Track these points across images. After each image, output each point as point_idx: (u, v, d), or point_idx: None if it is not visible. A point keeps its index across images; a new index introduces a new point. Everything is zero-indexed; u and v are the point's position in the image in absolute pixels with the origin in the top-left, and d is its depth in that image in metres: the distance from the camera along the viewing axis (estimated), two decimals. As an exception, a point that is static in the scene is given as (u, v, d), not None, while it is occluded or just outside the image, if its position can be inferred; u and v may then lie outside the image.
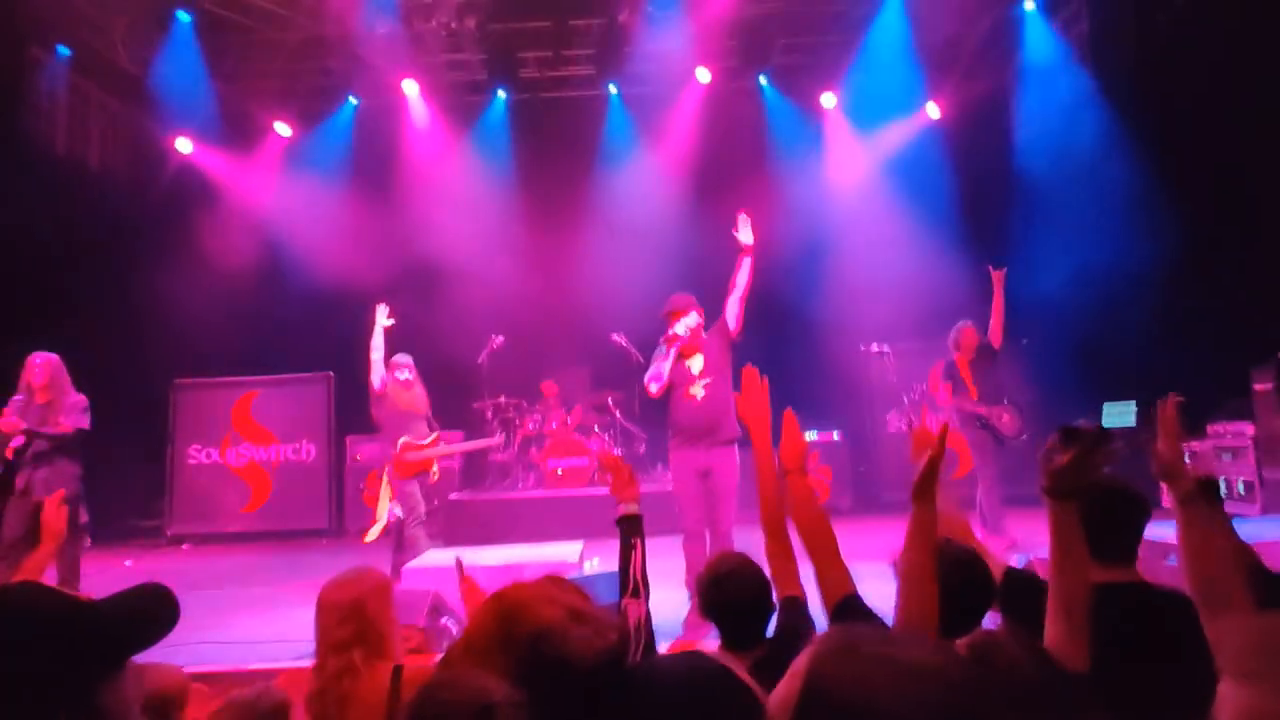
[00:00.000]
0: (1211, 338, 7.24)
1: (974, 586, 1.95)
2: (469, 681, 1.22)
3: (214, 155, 9.58)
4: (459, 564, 2.60)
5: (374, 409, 5.72)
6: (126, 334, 8.48)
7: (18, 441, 4.84)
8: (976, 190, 8.80)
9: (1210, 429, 7.02)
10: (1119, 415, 6.01)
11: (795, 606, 2.08)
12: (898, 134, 9.33)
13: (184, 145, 9.50)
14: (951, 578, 1.83)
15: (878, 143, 9.35)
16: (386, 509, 5.57)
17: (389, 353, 5.66)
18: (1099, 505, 1.98)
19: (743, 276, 4.63)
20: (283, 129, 9.68)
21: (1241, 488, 6.66)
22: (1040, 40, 8.68)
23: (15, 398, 5.00)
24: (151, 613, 0.99)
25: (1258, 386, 6.61)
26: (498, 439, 7.63)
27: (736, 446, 4.52)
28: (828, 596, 2.00)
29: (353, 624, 2.03)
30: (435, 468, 5.86)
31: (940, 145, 9.10)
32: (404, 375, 5.73)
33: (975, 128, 8.94)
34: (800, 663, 0.86)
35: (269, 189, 9.51)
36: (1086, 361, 7.36)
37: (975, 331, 6.21)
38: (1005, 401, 6.16)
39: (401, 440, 5.63)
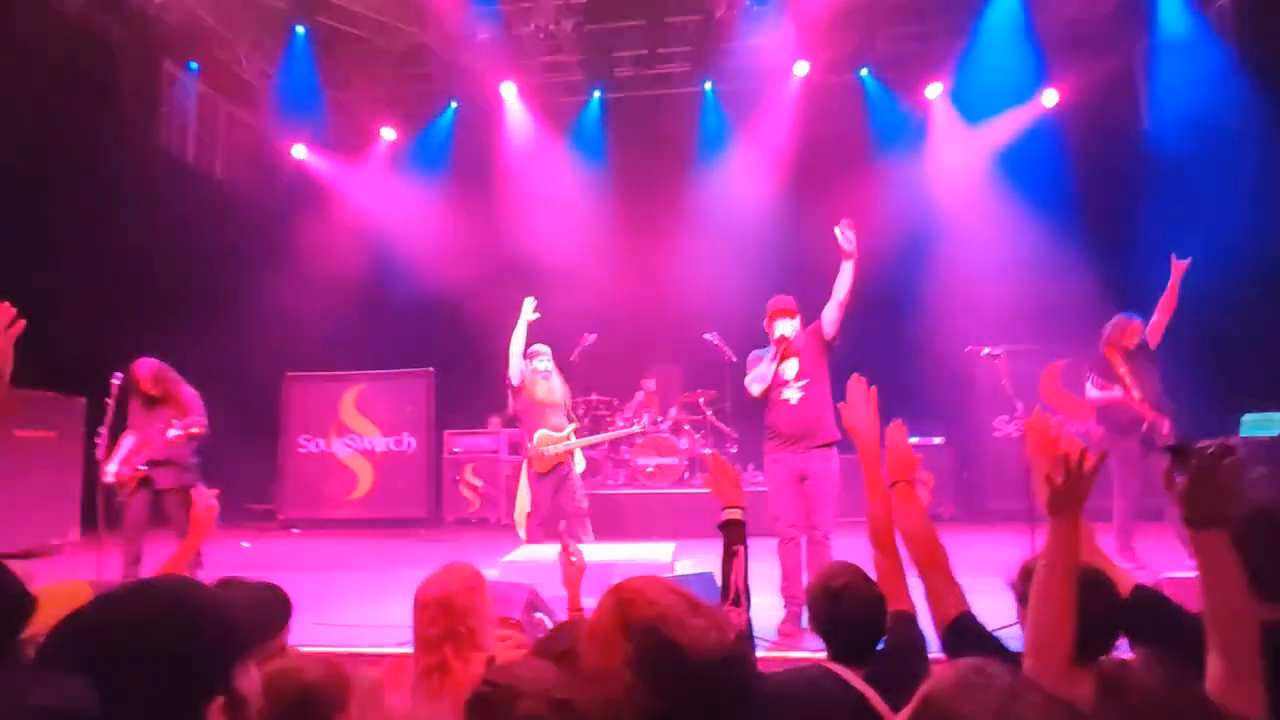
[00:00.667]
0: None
1: (1101, 609, 1.80)
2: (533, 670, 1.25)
3: (326, 160, 10.09)
4: (565, 544, 2.63)
5: (513, 402, 5.69)
6: (245, 330, 9.01)
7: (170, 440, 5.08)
8: (1099, 180, 8.23)
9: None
10: (1262, 425, 5.43)
11: (906, 622, 1.98)
12: (1010, 124, 8.85)
13: (299, 151, 10.05)
14: (1085, 596, 1.69)
15: (988, 134, 8.89)
16: (525, 500, 5.62)
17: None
18: (1260, 533, 1.77)
19: (844, 283, 4.49)
20: (388, 133, 10.11)
21: None
22: (1174, 14, 8.05)
23: (133, 403, 5.21)
24: (274, 606, 1.09)
25: None
26: (641, 425, 7.60)
27: (835, 450, 4.38)
28: (940, 614, 1.90)
29: (443, 621, 2.06)
30: (580, 458, 5.76)
31: (1058, 134, 8.58)
32: (542, 365, 5.70)
33: (1099, 112, 8.37)
34: (923, 689, 0.82)
35: (375, 192, 9.95)
36: (1226, 365, 6.75)
37: (1139, 327, 5.45)
38: (1166, 407, 5.39)
39: (538, 433, 5.59)
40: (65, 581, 1.78)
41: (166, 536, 5.08)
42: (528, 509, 5.58)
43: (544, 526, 5.64)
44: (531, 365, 5.65)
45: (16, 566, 1.35)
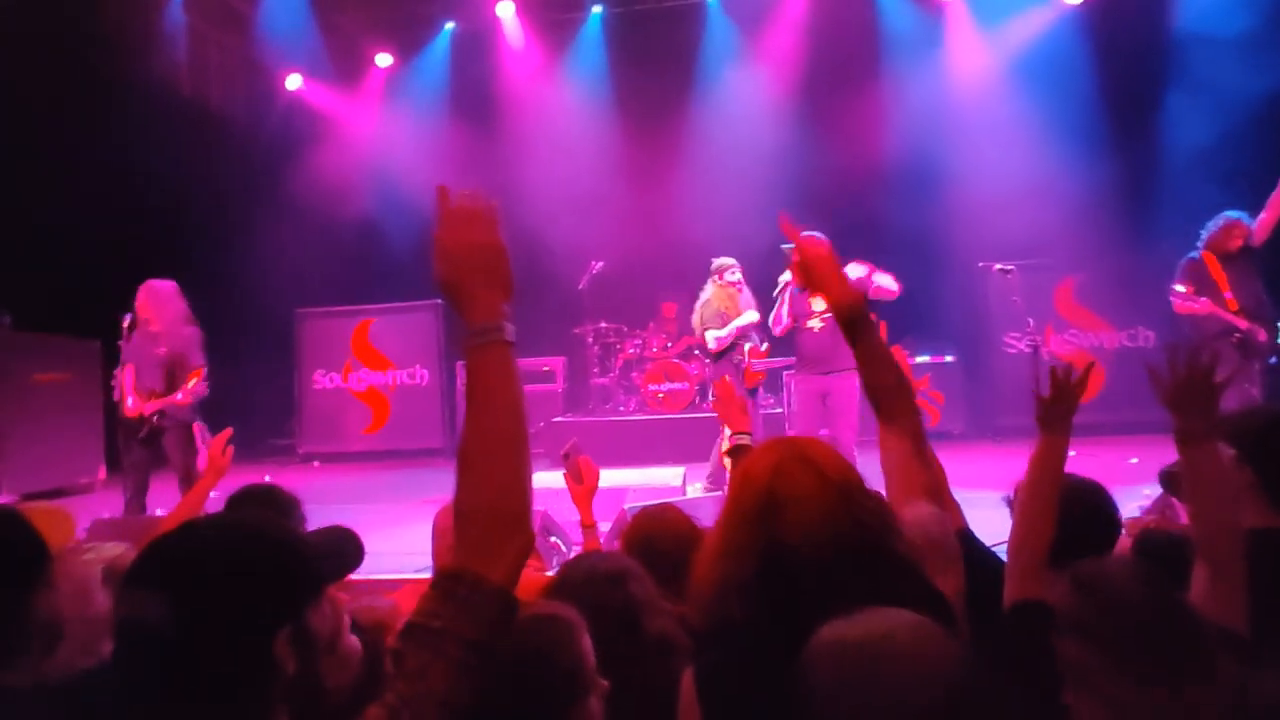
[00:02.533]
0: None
1: (1095, 519, 1.81)
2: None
3: (321, 90, 9.84)
4: (572, 449, 2.67)
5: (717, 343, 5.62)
6: (253, 266, 8.99)
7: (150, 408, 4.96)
8: (1121, 84, 7.89)
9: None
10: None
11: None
12: (1029, 25, 8.43)
13: (293, 81, 9.80)
14: (1072, 508, 1.70)
15: (1005, 36, 8.49)
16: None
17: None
18: (1267, 443, 1.76)
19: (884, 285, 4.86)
20: (383, 60, 9.80)
21: None
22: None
23: (125, 334, 5.01)
24: (346, 549, 1.16)
25: None
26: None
27: (855, 374, 4.49)
28: None
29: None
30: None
31: (1080, 35, 8.17)
32: (733, 276, 5.67)
33: (1123, 11, 7.95)
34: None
35: (373, 120, 9.73)
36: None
37: (1245, 229, 5.05)
38: (1265, 314, 5.08)
39: (748, 345, 5.58)
40: (43, 507, 1.87)
41: (167, 476, 5.17)
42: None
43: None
44: (725, 279, 5.65)
45: (56, 505, 1.41)
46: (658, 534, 2.10)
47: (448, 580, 0.97)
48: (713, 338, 5.60)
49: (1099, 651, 1.18)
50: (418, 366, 9.32)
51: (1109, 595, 1.21)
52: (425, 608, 0.96)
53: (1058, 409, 1.68)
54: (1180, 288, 5.12)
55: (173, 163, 8.23)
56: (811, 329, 5.05)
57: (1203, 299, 5.04)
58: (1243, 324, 5.03)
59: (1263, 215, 5.08)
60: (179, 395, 5.00)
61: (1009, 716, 0.88)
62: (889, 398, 1.71)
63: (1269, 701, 0.86)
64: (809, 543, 1.16)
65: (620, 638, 1.45)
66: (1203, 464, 1.50)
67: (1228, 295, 5.06)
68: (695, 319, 5.79)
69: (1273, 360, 5.11)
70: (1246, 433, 1.79)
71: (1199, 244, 5.24)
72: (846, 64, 8.61)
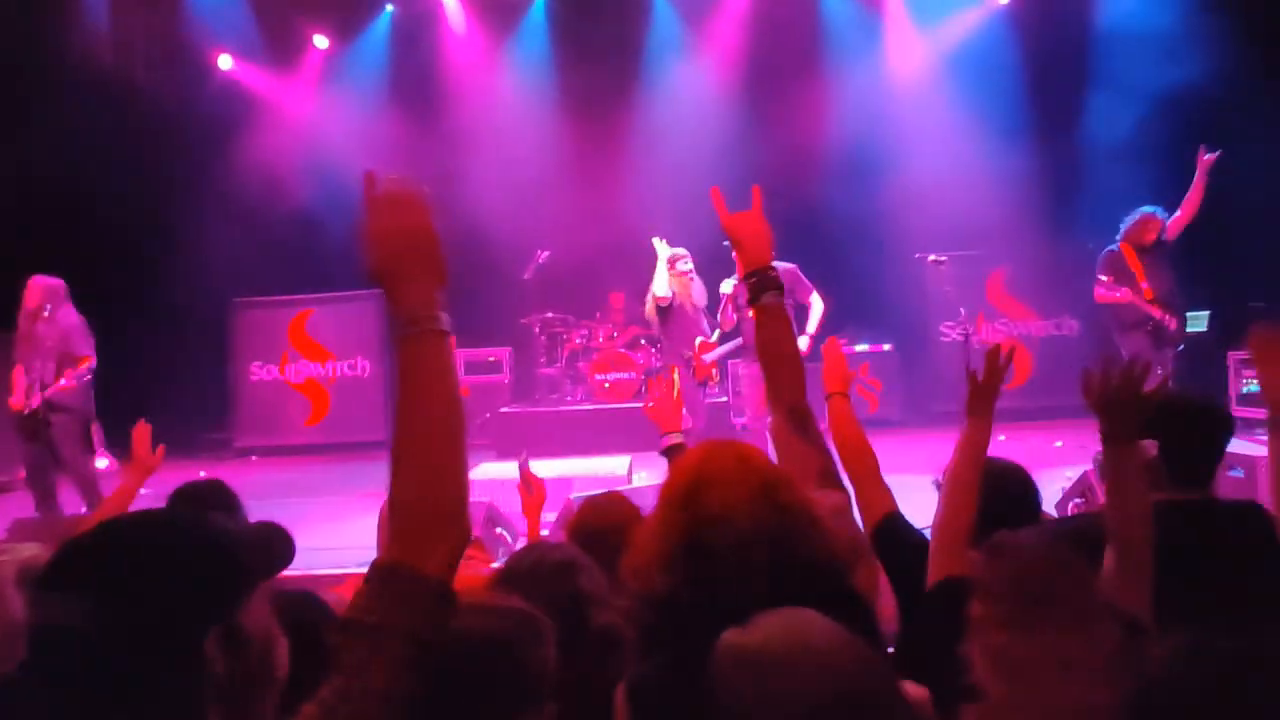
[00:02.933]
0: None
1: (1015, 500, 1.91)
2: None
3: (254, 72, 9.50)
4: (523, 462, 2.67)
5: (662, 320, 5.64)
6: (185, 255, 8.67)
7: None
8: (1047, 81, 8.19)
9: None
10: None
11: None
12: (962, 23, 8.68)
13: (225, 61, 9.43)
14: (994, 489, 1.80)
15: (940, 34, 8.72)
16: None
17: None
18: (1180, 427, 1.89)
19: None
20: (321, 41, 9.51)
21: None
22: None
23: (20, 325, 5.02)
24: (276, 544, 1.11)
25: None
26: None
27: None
28: (869, 515, 2.00)
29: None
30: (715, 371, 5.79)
31: (1009, 33, 8.44)
32: (685, 266, 5.65)
33: (1049, 11, 8.25)
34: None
35: (311, 104, 9.44)
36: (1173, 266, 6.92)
37: (1160, 223, 5.39)
38: (1175, 305, 5.43)
39: (699, 339, 5.57)
40: None
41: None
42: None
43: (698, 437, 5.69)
44: (678, 269, 5.61)
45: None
46: (603, 523, 2.12)
47: (382, 574, 0.96)
48: (663, 283, 5.58)
49: (995, 604, 1.26)
50: (359, 357, 9.14)
51: (1010, 555, 1.30)
52: (360, 602, 0.95)
53: (983, 394, 1.77)
54: (1103, 277, 5.39)
55: (96, 147, 7.86)
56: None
57: (1122, 289, 5.33)
58: (1156, 313, 5.35)
59: (1178, 213, 5.40)
60: (63, 380, 4.86)
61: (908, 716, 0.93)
62: (774, 367, 1.76)
63: (1158, 666, 0.93)
64: (728, 521, 1.21)
65: (566, 630, 1.47)
66: (1123, 462, 1.60)
67: (1144, 285, 5.38)
68: (648, 307, 5.81)
69: (1180, 347, 5.46)
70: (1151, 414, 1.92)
71: (1118, 236, 5.53)
72: (788, 57, 8.73)
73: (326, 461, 8.36)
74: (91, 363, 5.08)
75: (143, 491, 2.68)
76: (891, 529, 1.93)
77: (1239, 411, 6.97)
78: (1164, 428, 1.86)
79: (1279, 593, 1.46)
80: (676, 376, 3.68)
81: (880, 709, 0.89)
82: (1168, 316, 5.38)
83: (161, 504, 2.28)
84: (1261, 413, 6.27)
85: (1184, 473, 1.89)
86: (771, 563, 1.18)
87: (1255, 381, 7.00)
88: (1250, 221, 7.15)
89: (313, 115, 9.39)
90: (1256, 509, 1.88)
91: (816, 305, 5.53)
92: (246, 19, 9.08)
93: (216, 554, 0.95)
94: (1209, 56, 7.25)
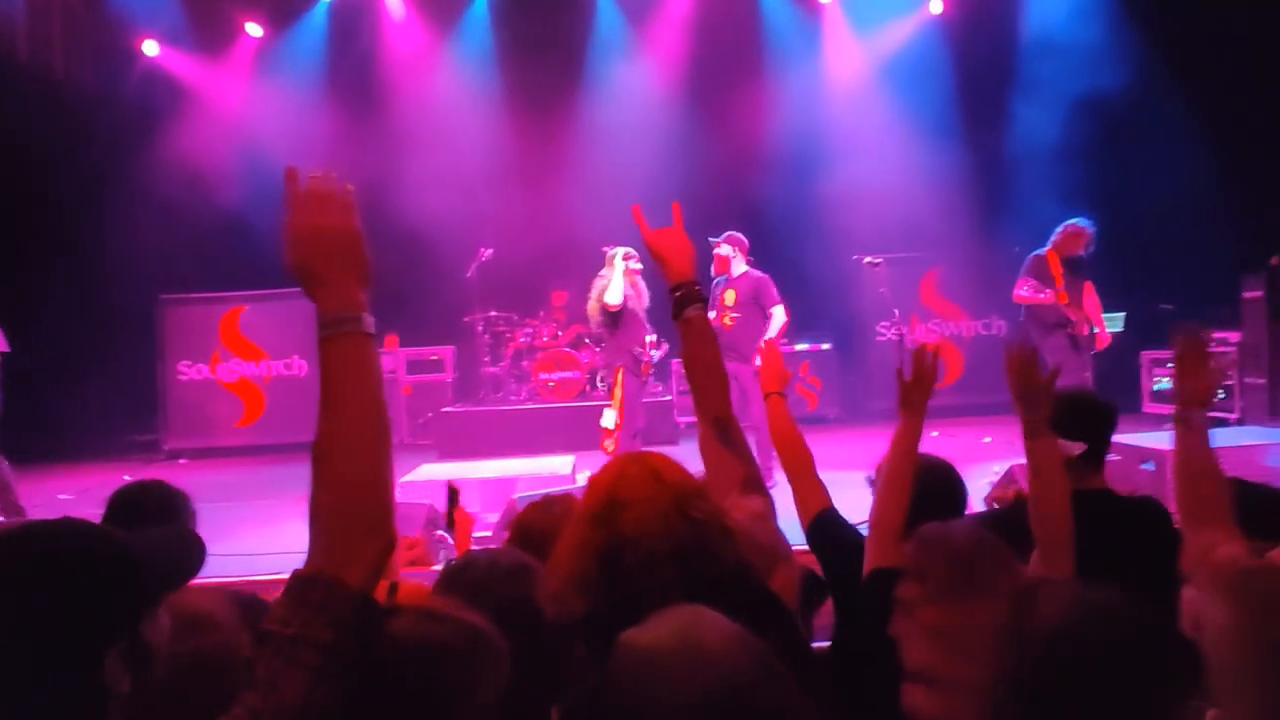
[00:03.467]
0: (1204, 246, 7.23)
1: (943, 494, 1.99)
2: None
3: (183, 59, 9.14)
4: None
5: (616, 323, 5.64)
6: (110, 250, 8.31)
7: None
8: (978, 89, 8.51)
9: (1197, 336, 7.09)
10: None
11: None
12: (898, 31, 8.94)
13: (150, 48, 9.05)
14: (921, 484, 1.87)
15: (877, 41, 8.96)
16: (614, 415, 5.51)
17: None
18: (1071, 422, 2.01)
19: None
20: (254, 29, 9.21)
21: (1222, 394, 6.79)
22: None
23: None
24: (185, 553, 1.06)
25: (1246, 295, 6.64)
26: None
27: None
28: (805, 511, 2.06)
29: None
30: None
31: (942, 42, 8.74)
32: (636, 265, 5.67)
33: (979, 22, 8.56)
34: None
35: (243, 94, 9.12)
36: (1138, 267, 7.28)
37: (1089, 235, 5.69)
38: (1085, 312, 5.77)
39: (649, 337, 5.66)
40: None
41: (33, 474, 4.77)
42: (618, 420, 5.51)
43: (636, 437, 5.67)
44: (630, 267, 5.65)
45: None
46: (548, 525, 2.11)
47: (301, 585, 0.92)
48: (617, 293, 5.57)
49: (922, 583, 1.34)
50: (295, 356, 8.89)
51: (938, 541, 1.38)
52: (278, 614, 0.91)
53: (916, 392, 1.85)
54: (1026, 280, 5.67)
55: (13, 138, 7.46)
56: (723, 322, 5.62)
57: (1047, 291, 5.61)
58: (1074, 316, 5.66)
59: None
60: None
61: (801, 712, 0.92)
62: (699, 379, 1.80)
63: (1045, 624, 0.99)
64: (642, 541, 1.25)
65: (518, 637, 1.45)
66: (1043, 454, 1.70)
67: (1062, 291, 5.67)
68: (592, 304, 5.80)
69: (1095, 352, 5.80)
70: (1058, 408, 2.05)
71: (1046, 243, 5.81)
72: (730, 59, 8.85)
73: (261, 463, 8.11)
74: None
75: (63, 497, 2.57)
76: (826, 525, 2.00)
77: (1151, 408, 7.40)
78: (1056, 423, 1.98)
79: (1170, 577, 1.58)
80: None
81: (772, 706, 0.89)
82: (1084, 321, 5.71)
83: (86, 510, 2.19)
84: (1171, 409, 6.59)
85: (1081, 463, 2.03)
86: (685, 577, 1.21)
87: (1167, 379, 7.45)
88: (1161, 225, 7.59)
89: (245, 106, 9.09)
90: (1154, 503, 2.02)
91: (778, 317, 5.77)
92: (174, 4, 8.73)
93: (117, 565, 0.90)
94: (1125, 64, 7.67)
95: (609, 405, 5.67)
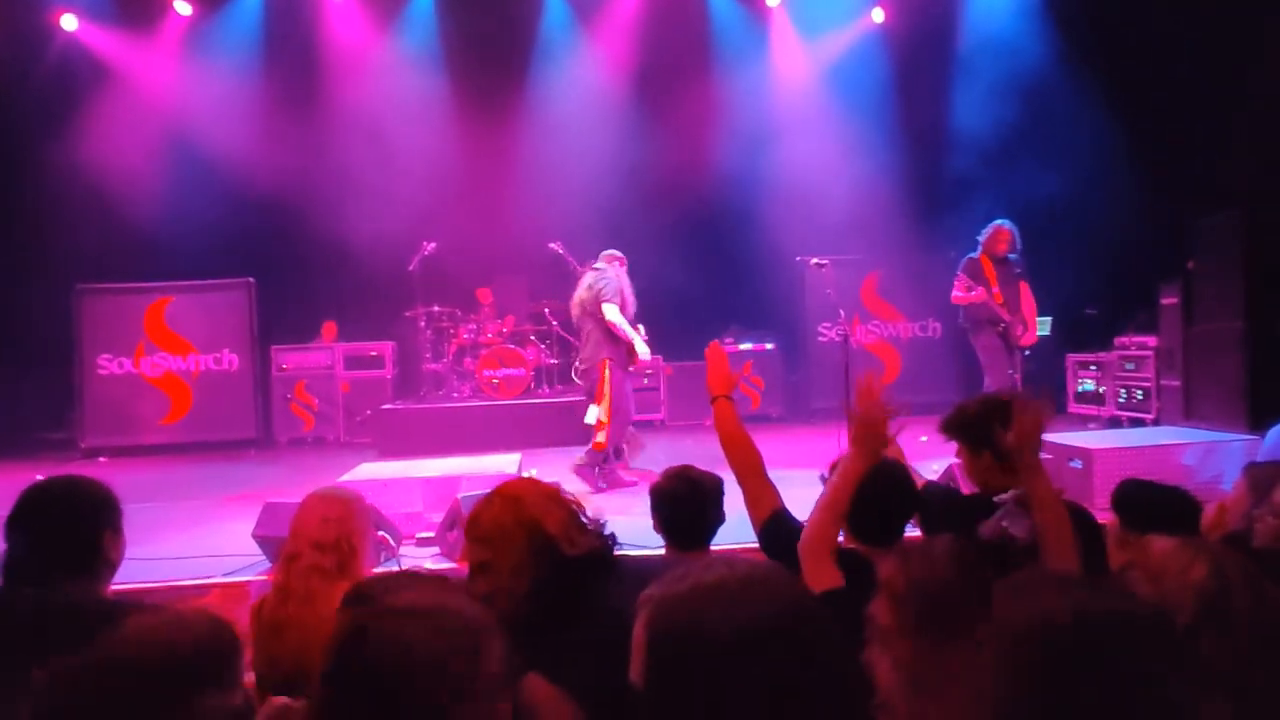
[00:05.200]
0: (1126, 252, 7.58)
1: (898, 495, 2.03)
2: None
3: (105, 35, 8.67)
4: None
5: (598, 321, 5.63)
6: (22, 234, 7.85)
7: None
8: (915, 97, 8.75)
9: (1117, 341, 7.44)
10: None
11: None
12: (842, 38, 9.11)
13: (69, 22, 8.56)
14: (876, 485, 1.91)
15: (822, 47, 9.11)
16: (604, 410, 5.48)
17: None
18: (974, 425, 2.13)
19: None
20: (182, 7, 8.80)
21: (1141, 395, 7.13)
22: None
23: None
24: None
25: (1164, 300, 6.98)
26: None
27: None
28: (756, 513, 2.07)
29: (335, 530, 2.09)
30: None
31: (883, 51, 8.95)
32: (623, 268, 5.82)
33: (919, 32, 8.80)
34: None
35: (171, 74, 8.70)
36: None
37: (1009, 234, 5.94)
38: (1021, 312, 5.96)
39: (640, 331, 5.71)
40: None
41: None
42: (608, 414, 5.48)
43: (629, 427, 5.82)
44: (623, 270, 5.76)
45: None
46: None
47: None
48: (614, 313, 5.58)
49: (899, 609, 1.33)
50: (225, 350, 8.55)
51: (921, 568, 1.37)
52: None
53: (863, 431, 1.87)
54: (961, 280, 5.88)
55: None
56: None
57: (978, 289, 5.82)
58: (1006, 316, 5.92)
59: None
60: None
61: (838, 641, 0.92)
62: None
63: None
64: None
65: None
66: (1044, 489, 1.81)
67: (995, 290, 5.90)
68: (584, 293, 5.72)
69: (1027, 352, 6.04)
70: (967, 423, 2.12)
71: (978, 247, 6.02)
72: (677, 59, 8.86)
73: (187, 462, 7.77)
74: None
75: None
76: (777, 527, 2.01)
77: (1075, 408, 7.73)
78: (991, 427, 2.02)
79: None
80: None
81: (811, 629, 0.88)
82: (1015, 320, 5.95)
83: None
84: (1095, 409, 6.88)
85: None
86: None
87: (1090, 381, 7.76)
88: (1086, 232, 7.94)
89: (173, 87, 8.67)
90: (1084, 514, 2.11)
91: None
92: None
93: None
94: (1055, 74, 8.00)
95: (591, 402, 5.65)
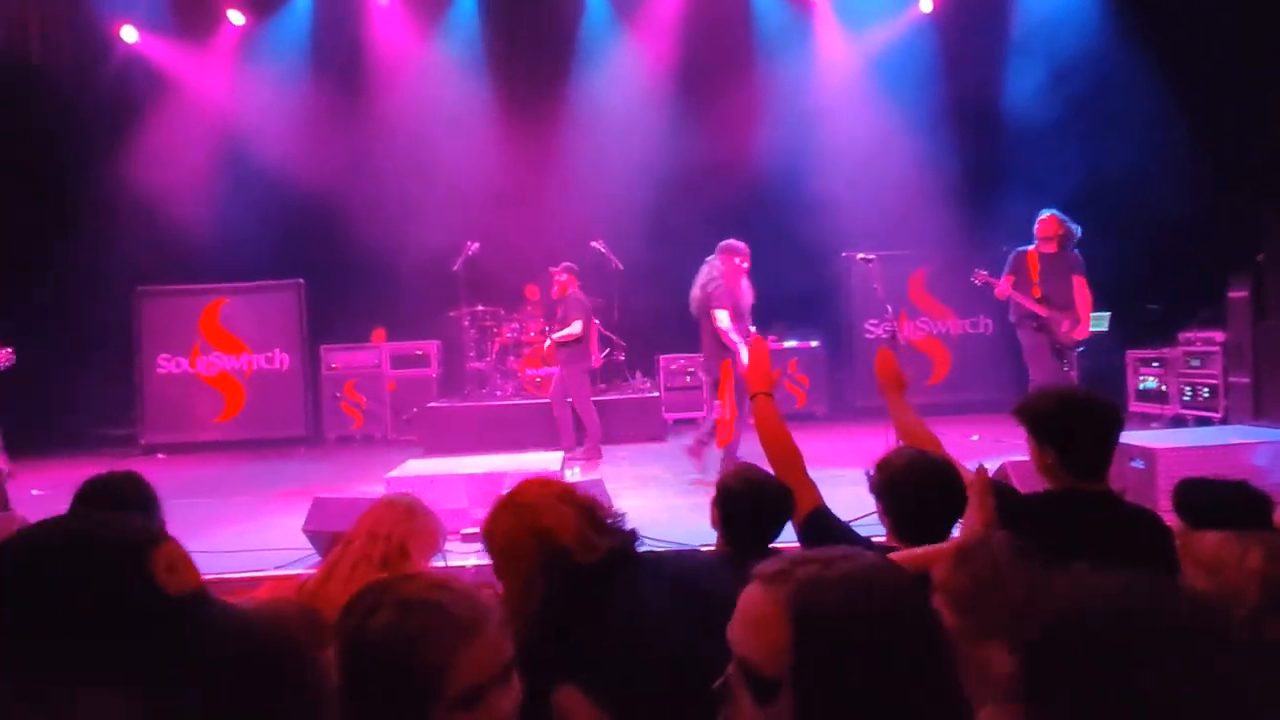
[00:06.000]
0: (1190, 245, 7.27)
1: (948, 494, 1.98)
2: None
3: (163, 46, 8.97)
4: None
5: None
6: (86, 239, 8.14)
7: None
8: (968, 87, 8.50)
9: (1182, 336, 7.14)
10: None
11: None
12: (889, 29, 8.92)
13: (129, 34, 8.87)
14: (927, 486, 1.88)
15: (868, 38, 8.94)
16: (730, 406, 5.51)
17: None
18: (1078, 424, 1.99)
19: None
20: (236, 17, 9.05)
21: (1207, 393, 6.83)
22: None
23: None
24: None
25: (1232, 294, 6.67)
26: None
27: None
28: (797, 510, 2.03)
29: (389, 527, 2.09)
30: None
31: (932, 41, 8.73)
32: (746, 264, 5.74)
33: (970, 21, 8.55)
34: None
35: (225, 83, 8.96)
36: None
37: (1058, 222, 5.62)
38: (1074, 308, 5.65)
39: (751, 328, 5.75)
40: None
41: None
42: (733, 410, 5.51)
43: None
44: (741, 264, 5.69)
45: None
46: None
47: None
48: (725, 320, 5.56)
49: (950, 606, 1.28)
50: (276, 350, 8.76)
51: (985, 578, 1.31)
52: None
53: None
54: (981, 275, 5.79)
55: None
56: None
57: (1001, 281, 5.66)
58: (1042, 312, 5.67)
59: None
60: None
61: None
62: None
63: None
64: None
65: None
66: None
67: (1035, 285, 5.69)
68: (698, 291, 5.70)
69: (1080, 348, 5.80)
70: (1038, 415, 2.02)
71: (1033, 240, 5.82)
72: (719, 55, 8.78)
73: (240, 459, 7.99)
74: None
75: (35, 493, 2.49)
76: (818, 523, 1.97)
77: (1136, 407, 7.44)
78: (1064, 425, 1.95)
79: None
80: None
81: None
82: (1055, 316, 5.66)
83: (59, 506, 2.11)
84: (1157, 408, 6.58)
85: (1085, 467, 1.99)
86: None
87: (1153, 379, 7.45)
88: (1149, 225, 7.63)
89: (228, 95, 8.93)
90: (1154, 518, 2.00)
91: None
92: (152, -10, 8.56)
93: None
94: (1116, 64, 7.69)
95: (715, 398, 5.65)
